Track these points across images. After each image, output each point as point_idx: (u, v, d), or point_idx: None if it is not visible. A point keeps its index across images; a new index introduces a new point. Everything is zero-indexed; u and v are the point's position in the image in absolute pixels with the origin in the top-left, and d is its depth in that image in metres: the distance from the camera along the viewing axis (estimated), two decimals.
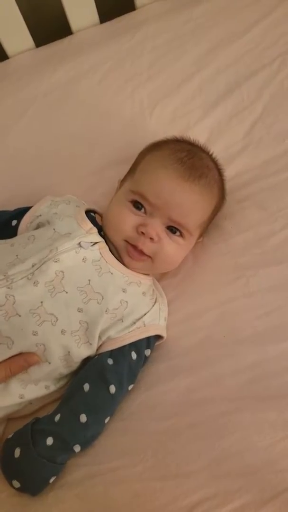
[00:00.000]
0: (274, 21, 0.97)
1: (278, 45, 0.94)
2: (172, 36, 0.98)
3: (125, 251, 0.70)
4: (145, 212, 0.70)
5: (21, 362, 0.63)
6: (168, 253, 0.70)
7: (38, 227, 0.75)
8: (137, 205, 0.70)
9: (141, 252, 0.69)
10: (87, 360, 0.69)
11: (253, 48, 0.95)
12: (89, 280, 0.66)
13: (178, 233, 0.71)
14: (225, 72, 0.94)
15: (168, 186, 0.69)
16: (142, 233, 0.68)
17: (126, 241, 0.70)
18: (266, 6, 0.98)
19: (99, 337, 0.67)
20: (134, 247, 0.69)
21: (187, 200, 0.69)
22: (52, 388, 0.68)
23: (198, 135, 0.79)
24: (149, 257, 0.70)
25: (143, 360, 0.69)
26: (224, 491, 0.57)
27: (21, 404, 0.67)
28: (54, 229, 0.70)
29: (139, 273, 0.72)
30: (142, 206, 0.70)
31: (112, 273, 0.68)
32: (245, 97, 0.91)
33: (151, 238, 0.68)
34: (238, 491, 0.57)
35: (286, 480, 0.57)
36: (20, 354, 0.63)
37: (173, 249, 0.71)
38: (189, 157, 0.71)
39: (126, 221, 0.70)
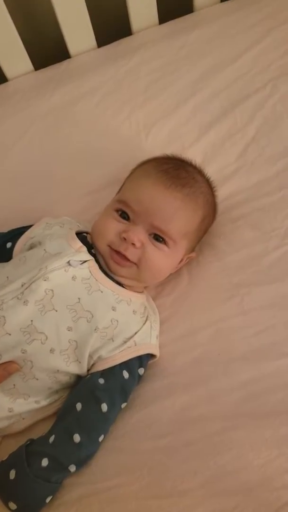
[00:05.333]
0: (265, 47, 0.99)
1: (269, 70, 0.97)
2: (168, 61, 1.01)
3: (110, 257, 0.70)
4: (129, 221, 0.71)
5: (0, 372, 0.63)
6: (153, 260, 0.70)
7: (31, 248, 0.75)
8: (123, 215, 0.72)
9: (125, 258, 0.70)
10: (79, 378, 0.69)
11: (245, 73, 0.98)
12: (79, 299, 0.67)
13: (162, 241, 0.71)
14: (218, 96, 0.96)
15: (149, 192, 0.70)
16: (125, 239, 0.69)
17: (109, 246, 0.70)
18: (258, 33, 1.01)
19: (91, 357, 0.67)
20: (118, 252, 0.70)
21: (168, 206, 0.70)
22: (43, 403, 0.68)
23: (192, 157, 0.81)
24: (135, 264, 0.70)
25: (136, 379, 0.70)
26: (220, 509, 0.58)
27: (12, 418, 0.67)
28: (44, 249, 0.70)
29: (131, 290, 0.73)
30: (127, 215, 0.71)
31: (102, 291, 0.69)
32: (238, 121, 0.93)
33: (133, 244, 0.69)
34: (234, 509, 0.57)
35: (281, 498, 0.57)
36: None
37: (157, 256, 0.71)
38: (175, 168, 0.73)
39: (110, 227, 0.71)
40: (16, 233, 0.78)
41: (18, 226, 0.80)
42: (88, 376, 0.68)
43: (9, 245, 0.78)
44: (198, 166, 0.79)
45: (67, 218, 0.80)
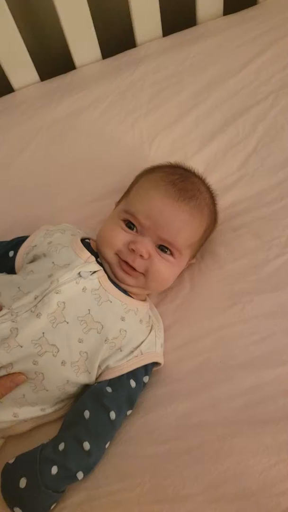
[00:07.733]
0: (267, 60, 1.01)
1: (271, 82, 0.99)
2: (171, 72, 1.02)
3: (117, 265, 0.71)
4: (136, 231, 0.72)
5: (8, 384, 0.63)
6: (160, 271, 0.71)
7: (34, 259, 0.75)
8: (129, 224, 0.72)
9: (133, 268, 0.70)
10: (85, 387, 0.70)
11: (247, 84, 0.99)
12: (89, 310, 0.67)
13: (168, 252, 0.72)
14: (221, 107, 0.98)
15: (158, 205, 0.71)
16: (133, 250, 0.70)
17: (117, 255, 0.71)
18: (260, 45, 1.02)
19: (99, 367, 0.68)
20: (126, 262, 0.70)
21: (176, 220, 0.71)
22: (48, 410, 0.68)
23: (195, 167, 0.82)
24: (142, 273, 0.71)
25: (142, 387, 0.70)
26: None
27: (14, 421, 0.67)
28: (53, 262, 0.70)
29: (137, 299, 0.73)
30: (134, 225, 0.72)
31: (111, 301, 0.69)
32: (240, 131, 0.95)
33: (141, 256, 0.70)
34: None
35: (281, 504, 0.57)
36: (7, 375, 0.63)
37: (164, 267, 0.72)
38: (181, 180, 0.74)
39: (118, 237, 0.71)
40: (19, 241, 0.78)
41: (22, 235, 0.81)
42: (96, 384, 0.68)
43: (11, 253, 0.78)
44: (201, 175, 0.80)
45: (67, 224, 0.81)
